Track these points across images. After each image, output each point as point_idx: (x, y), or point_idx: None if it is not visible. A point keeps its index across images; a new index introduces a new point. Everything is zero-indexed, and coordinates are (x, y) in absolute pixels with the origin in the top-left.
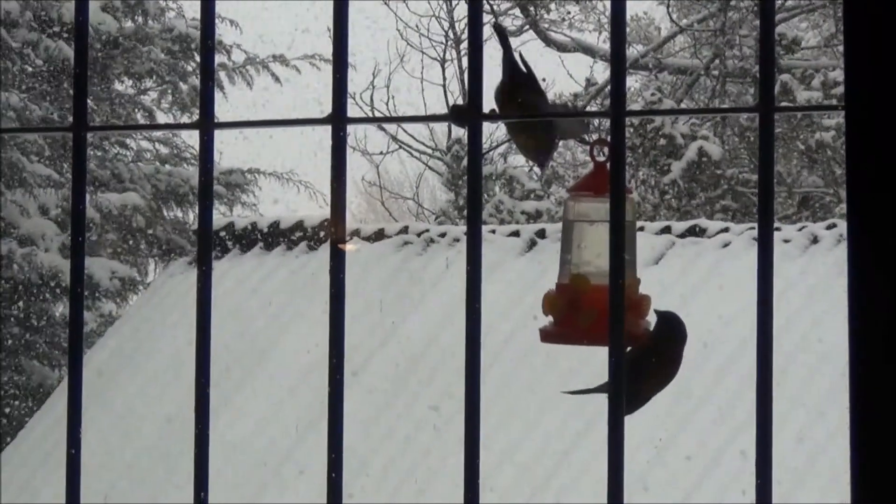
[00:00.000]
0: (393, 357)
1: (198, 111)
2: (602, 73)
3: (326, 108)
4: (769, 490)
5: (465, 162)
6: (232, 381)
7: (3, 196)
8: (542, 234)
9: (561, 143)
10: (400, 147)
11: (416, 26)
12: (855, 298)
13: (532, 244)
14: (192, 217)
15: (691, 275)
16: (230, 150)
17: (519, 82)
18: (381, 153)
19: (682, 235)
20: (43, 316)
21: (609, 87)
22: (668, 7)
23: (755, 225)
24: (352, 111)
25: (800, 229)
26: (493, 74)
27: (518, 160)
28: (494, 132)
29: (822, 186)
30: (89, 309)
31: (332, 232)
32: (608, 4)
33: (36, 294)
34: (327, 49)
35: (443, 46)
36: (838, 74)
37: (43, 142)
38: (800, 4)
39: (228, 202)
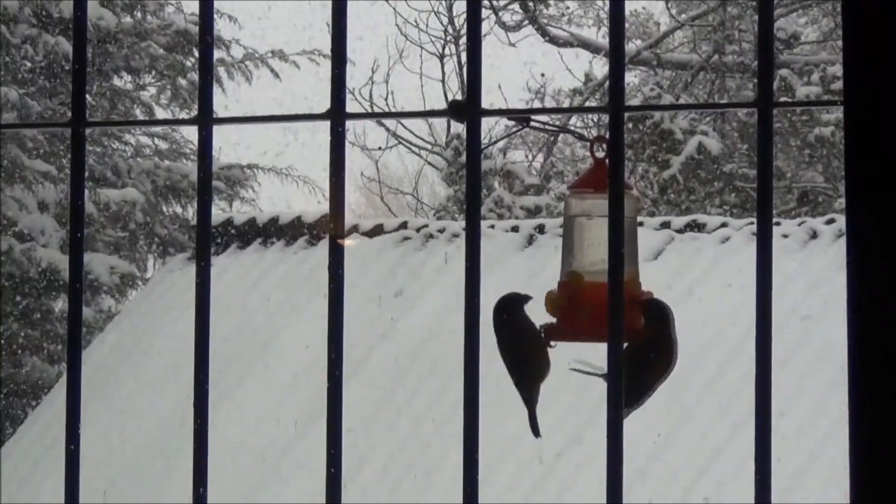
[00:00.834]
0: (392, 352)
1: (196, 107)
2: (601, 68)
3: (325, 104)
4: (768, 485)
5: (464, 157)
6: (231, 376)
7: (3, 192)
8: (541, 229)
9: (560, 137)
10: (399, 142)
11: (416, 22)
12: (854, 293)
13: (531, 239)
14: (191, 212)
15: (690, 270)
16: (229, 146)
17: None
18: (381, 148)
19: (681, 230)
20: (42, 311)
21: (608, 82)
22: (667, 2)
23: (754, 220)
24: (351, 107)
25: (799, 224)
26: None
27: (517, 156)
28: (493, 127)
29: (821, 181)
30: (88, 304)
31: (332, 227)
32: (607, 0)
33: (35, 290)
34: (326, 44)
35: (442, 42)
36: (837, 69)
37: (42, 137)
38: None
39: (228, 198)
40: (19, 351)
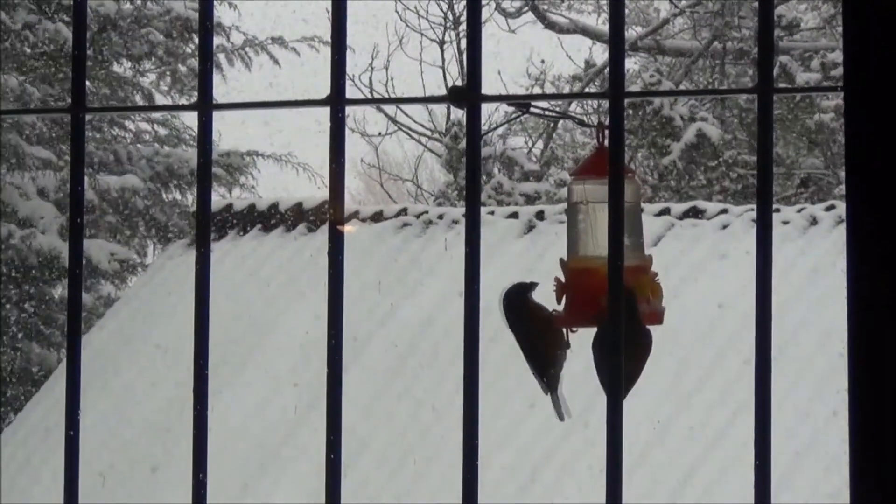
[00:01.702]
0: (392, 338)
1: (196, 93)
2: (601, 54)
3: (325, 90)
4: (768, 470)
5: (463, 143)
6: (231, 362)
7: (2, 178)
8: (540, 215)
9: (560, 123)
10: (399, 129)
11: (415, 8)
12: (854, 279)
13: (531, 226)
14: (190, 199)
15: (690, 256)
16: (229, 132)
17: None
18: (380, 135)
19: (681, 217)
20: (42, 298)
21: (608, 68)
22: None
23: (754, 206)
24: (350, 93)
25: (799, 210)
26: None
27: (517, 142)
28: (493, 114)
29: (821, 168)
30: (88, 291)
31: (331, 213)
32: None
33: (35, 276)
34: (326, 31)
35: (442, 28)
36: (837, 56)
37: (42, 124)
38: None
39: (227, 184)
40: (19, 337)
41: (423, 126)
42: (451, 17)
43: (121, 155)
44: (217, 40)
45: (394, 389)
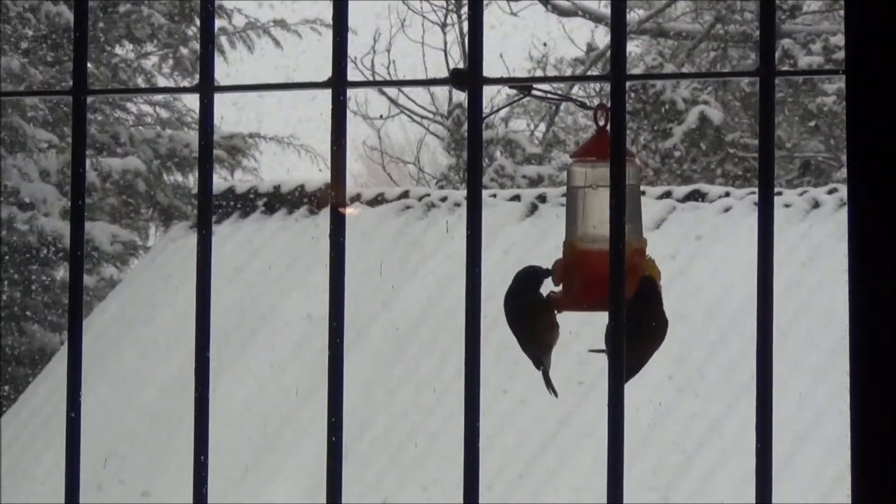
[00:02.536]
0: (393, 321)
1: (198, 75)
2: (603, 37)
3: (327, 72)
4: (769, 453)
5: (465, 126)
6: (232, 345)
7: (4, 160)
8: (542, 198)
9: (562, 106)
10: (401, 111)
11: None
12: (855, 262)
13: (533, 208)
14: (192, 181)
15: (692, 239)
16: (231, 115)
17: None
18: (382, 117)
19: (682, 200)
20: (43, 280)
21: (610, 51)
22: None
23: (756, 189)
24: (352, 75)
25: (801, 194)
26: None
27: (519, 125)
28: (495, 96)
29: (822, 151)
30: (90, 273)
31: (333, 196)
32: None
33: (37, 258)
34: (328, 13)
35: (444, 11)
36: (839, 39)
37: (44, 106)
38: None
39: (229, 166)
40: (21, 319)
41: (424, 109)
42: (452, 0)
43: (122, 137)
44: (219, 23)
45: (395, 372)
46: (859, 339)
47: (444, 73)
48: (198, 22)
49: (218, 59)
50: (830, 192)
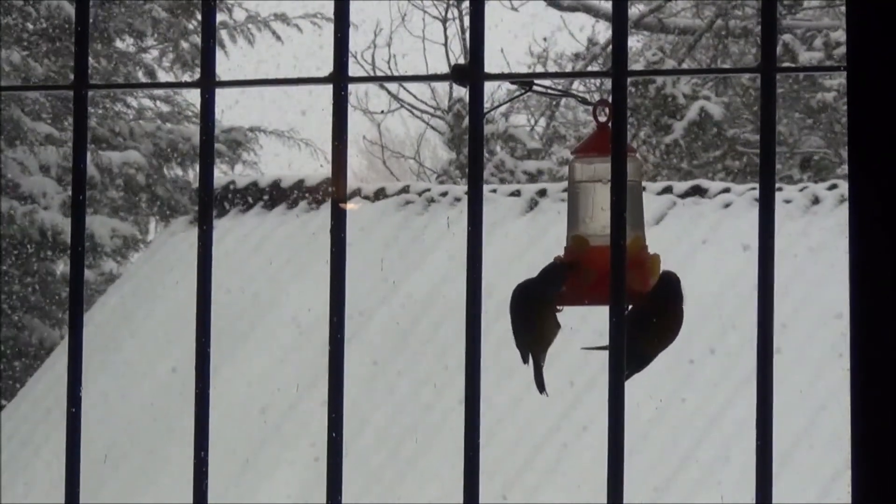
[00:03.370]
0: (394, 316)
1: (199, 69)
2: (604, 33)
3: (328, 67)
4: (769, 450)
5: (466, 121)
6: (233, 339)
7: (5, 154)
8: (543, 193)
9: (563, 101)
10: (401, 106)
11: None
12: (856, 258)
13: (533, 204)
14: (192, 175)
15: (693, 235)
16: (231, 109)
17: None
18: (383, 112)
19: (683, 195)
20: (44, 274)
21: (611, 46)
22: None
23: (756, 185)
24: (353, 70)
25: (801, 189)
26: (494, 33)
27: (519, 120)
28: (495, 92)
29: (823, 147)
30: (90, 267)
31: (334, 191)
32: None
33: (37, 252)
34: (329, 8)
35: (444, 5)
36: (840, 35)
37: (44, 99)
38: None
39: (230, 161)
40: (21, 313)
41: (425, 104)
42: None
43: (123, 131)
44: (219, 16)
45: (395, 367)
46: (860, 336)
47: (445, 68)
48: (198, 16)
49: (218, 54)
50: (831, 187)
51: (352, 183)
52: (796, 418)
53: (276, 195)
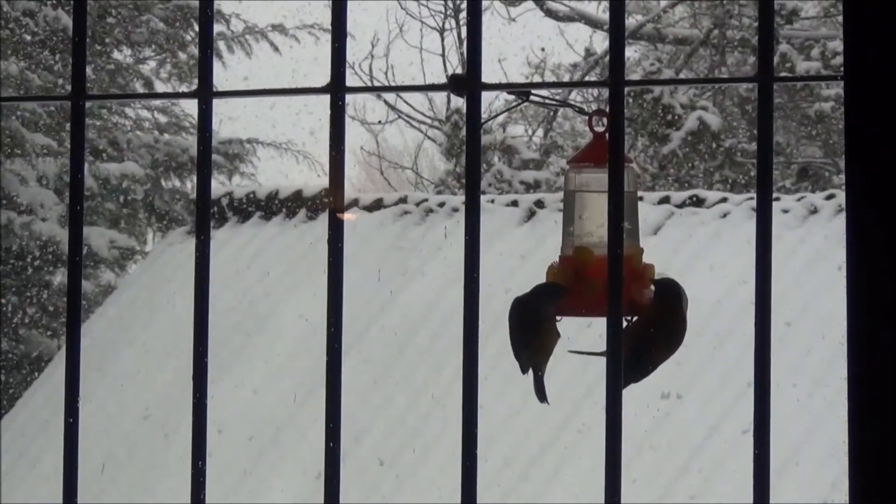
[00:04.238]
0: (392, 326)
1: (196, 80)
2: (601, 43)
3: (325, 78)
4: (767, 459)
5: (463, 131)
6: (231, 350)
7: (2, 165)
8: (540, 203)
9: (560, 111)
10: (399, 116)
11: None
12: (853, 268)
13: (531, 214)
14: (190, 186)
15: (690, 245)
16: (229, 120)
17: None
18: (380, 123)
19: (681, 205)
20: (41, 285)
21: (608, 56)
22: None
23: (754, 195)
24: (351, 80)
25: (799, 199)
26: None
27: (517, 130)
28: (493, 102)
29: (821, 157)
30: (88, 278)
31: (331, 201)
32: None
33: (35, 263)
34: (326, 18)
35: (442, 16)
36: (837, 45)
37: (42, 111)
38: None
39: (227, 172)
40: (19, 324)
41: (423, 114)
42: (451, 5)
43: (120, 142)
44: (217, 28)
45: (393, 377)
46: (858, 345)
47: (443, 79)
48: (195, 27)
49: (216, 64)
50: (828, 197)
51: (349, 193)
52: (795, 428)
53: (274, 206)
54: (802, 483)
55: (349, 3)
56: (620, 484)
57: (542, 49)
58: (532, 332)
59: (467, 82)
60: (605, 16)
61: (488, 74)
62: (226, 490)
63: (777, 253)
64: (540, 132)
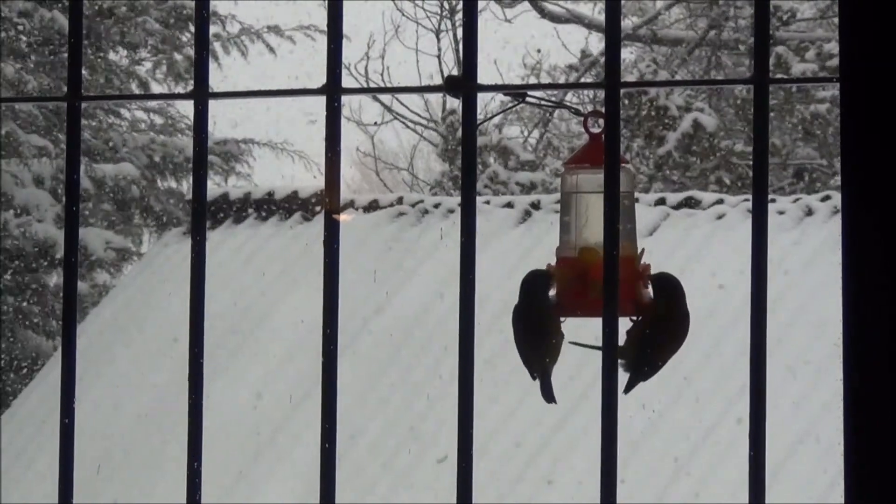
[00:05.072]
0: (387, 327)
1: (192, 81)
2: (597, 44)
3: (321, 79)
4: (762, 460)
5: (459, 133)
6: (226, 350)
7: None
8: (536, 205)
9: (556, 113)
10: (395, 118)
11: None
12: (849, 270)
13: (526, 215)
14: (186, 187)
15: (686, 246)
16: (224, 121)
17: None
18: (376, 124)
19: (676, 207)
20: (37, 286)
21: (604, 58)
22: None
23: (749, 196)
24: (346, 82)
25: (794, 201)
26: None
27: (513, 131)
28: (489, 103)
29: (816, 158)
30: (84, 279)
31: (327, 202)
32: None
33: (30, 264)
34: (322, 19)
35: (438, 17)
36: (833, 46)
37: (38, 112)
38: None
39: (223, 172)
40: (15, 325)
41: (418, 115)
42: (447, 7)
43: (116, 143)
44: (213, 29)
45: (389, 378)
46: (853, 347)
47: (439, 80)
48: (191, 28)
49: (212, 65)
50: (824, 199)
51: (345, 194)
52: (790, 429)
53: (270, 206)
54: (798, 484)
55: (345, 4)
56: (616, 485)
57: (538, 50)
58: (540, 332)
59: (463, 84)
60: (601, 17)
61: (484, 76)
62: (222, 490)
63: (772, 254)
64: (536, 133)
